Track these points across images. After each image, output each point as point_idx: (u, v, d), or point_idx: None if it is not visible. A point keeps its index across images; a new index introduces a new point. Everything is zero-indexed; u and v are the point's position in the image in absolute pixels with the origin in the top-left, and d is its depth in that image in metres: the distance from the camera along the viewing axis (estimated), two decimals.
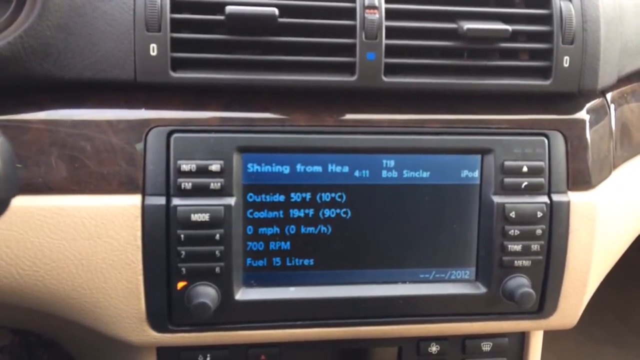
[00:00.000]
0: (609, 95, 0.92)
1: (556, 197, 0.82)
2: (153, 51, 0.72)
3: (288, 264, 0.79)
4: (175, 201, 0.74)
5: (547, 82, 0.81)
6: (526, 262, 0.82)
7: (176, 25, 0.73)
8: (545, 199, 0.82)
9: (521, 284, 0.81)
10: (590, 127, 0.85)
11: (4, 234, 0.72)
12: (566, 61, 0.80)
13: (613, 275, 1.01)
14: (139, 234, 0.74)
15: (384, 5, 0.75)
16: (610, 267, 0.95)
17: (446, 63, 0.79)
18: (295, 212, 0.78)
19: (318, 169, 0.78)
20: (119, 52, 0.72)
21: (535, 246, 0.82)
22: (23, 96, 0.74)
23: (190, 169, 0.74)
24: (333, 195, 0.79)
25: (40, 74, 0.71)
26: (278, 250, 0.79)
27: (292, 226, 0.79)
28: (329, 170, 0.79)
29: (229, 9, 0.71)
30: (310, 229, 0.79)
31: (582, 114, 0.85)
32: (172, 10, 0.72)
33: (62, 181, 0.73)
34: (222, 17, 0.72)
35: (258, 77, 0.75)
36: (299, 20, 0.75)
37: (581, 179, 0.84)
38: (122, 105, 0.75)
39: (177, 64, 0.74)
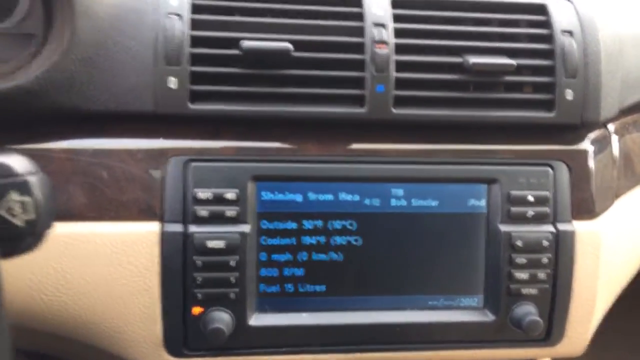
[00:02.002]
0: (611, 126, 0.93)
1: (561, 226, 0.84)
2: (173, 84, 0.74)
3: (300, 290, 0.80)
4: (192, 228, 0.76)
5: (550, 114, 0.83)
6: (533, 290, 0.83)
7: (194, 59, 0.75)
8: (550, 227, 0.83)
9: (528, 311, 0.82)
10: (594, 157, 0.87)
11: (28, 260, 0.74)
12: (569, 94, 0.82)
13: (622, 303, 1.01)
14: (157, 260, 0.75)
15: (393, 40, 0.78)
16: (617, 294, 0.96)
17: (453, 95, 0.81)
18: (307, 239, 0.80)
19: (329, 197, 0.80)
20: (140, 85, 0.74)
21: (541, 274, 0.83)
22: (45, 127, 0.76)
23: (207, 197, 0.76)
24: (344, 222, 0.80)
25: (67, 107, 0.73)
26: (291, 276, 0.80)
27: (304, 253, 0.80)
28: (340, 198, 0.80)
29: (246, 44, 0.74)
30: (322, 256, 0.80)
31: (585, 145, 0.87)
32: (192, 45, 0.75)
33: (83, 208, 0.75)
34: (238, 52, 0.75)
35: (272, 108, 0.77)
36: (312, 55, 0.77)
37: (585, 208, 0.86)
38: (141, 135, 0.77)
39: (195, 96, 0.76)
